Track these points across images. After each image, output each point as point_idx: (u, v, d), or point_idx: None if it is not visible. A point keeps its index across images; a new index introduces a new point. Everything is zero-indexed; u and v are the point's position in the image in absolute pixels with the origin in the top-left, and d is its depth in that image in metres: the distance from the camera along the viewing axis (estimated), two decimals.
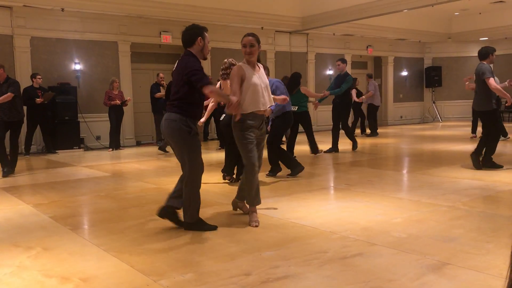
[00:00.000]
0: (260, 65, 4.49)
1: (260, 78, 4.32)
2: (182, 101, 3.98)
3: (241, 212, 4.70)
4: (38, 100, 9.91)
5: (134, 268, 3.20)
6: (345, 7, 13.36)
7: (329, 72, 16.20)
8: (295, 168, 6.70)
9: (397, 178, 6.75)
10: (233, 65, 6.02)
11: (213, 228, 4.10)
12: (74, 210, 5.06)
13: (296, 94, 8.18)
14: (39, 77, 10.20)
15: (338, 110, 9.39)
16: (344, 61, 9.37)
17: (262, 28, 14.20)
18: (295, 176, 6.65)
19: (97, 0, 11.02)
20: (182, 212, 4.12)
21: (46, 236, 4.08)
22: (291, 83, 8.30)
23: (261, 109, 4.28)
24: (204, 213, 4.71)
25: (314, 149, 8.92)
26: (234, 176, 6.56)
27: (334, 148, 9.47)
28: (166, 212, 4.15)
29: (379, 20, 14.36)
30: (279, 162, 6.82)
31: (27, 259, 3.46)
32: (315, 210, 4.75)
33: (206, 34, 4.14)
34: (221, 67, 6.24)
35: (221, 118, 6.80)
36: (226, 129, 6.56)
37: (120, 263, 3.32)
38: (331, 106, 9.65)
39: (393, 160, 8.53)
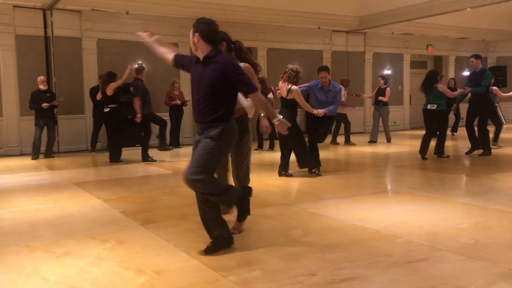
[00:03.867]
0: None
1: None
2: None
3: (300, 213, 4.78)
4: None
5: (203, 264, 3.35)
6: (405, 6, 13.05)
7: (387, 71, 15.90)
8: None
9: (461, 182, 6.57)
10: (297, 72, 6.56)
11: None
12: (142, 206, 5.31)
13: (433, 92, 8.23)
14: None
15: (476, 109, 8.78)
16: (477, 57, 8.74)
17: (319, 28, 14.16)
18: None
19: (160, 3, 11.39)
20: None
21: (119, 230, 4.32)
22: (428, 81, 8.39)
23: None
24: (266, 212, 4.82)
25: (440, 150, 8.61)
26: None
27: (475, 148, 8.91)
28: None
29: (440, 18, 13.90)
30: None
31: (104, 251, 3.69)
32: (377, 213, 4.73)
33: None
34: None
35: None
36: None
37: (190, 258, 3.47)
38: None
39: (456, 163, 8.29)
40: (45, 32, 10.85)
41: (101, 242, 3.92)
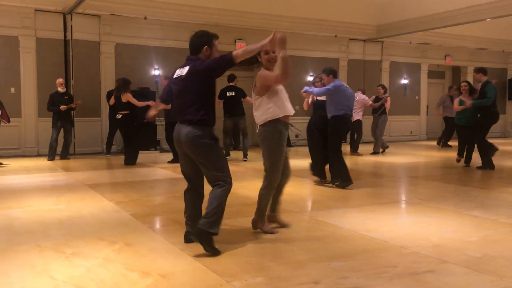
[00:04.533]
0: None
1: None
2: (206, 108, 3.76)
3: (307, 221, 4.77)
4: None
5: (208, 268, 3.37)
6: (423, 16, 13.00)
7: (404, 81, 15.82)
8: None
9: (473, 194, 6.48)
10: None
11: (217, 252, 3.66)
12: (152, 209, 5.38)
13: None
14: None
15: (480, 123, 8.61)
16: (479, 70, 8.64)
17: (336, 36, 14.17)
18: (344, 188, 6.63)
19: (178, 9, 11.55)
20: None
21: (128, 232, 4.38)
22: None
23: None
24: None
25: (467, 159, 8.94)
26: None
27: (489, 165, 8.69)
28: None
29: (459, 28, 13.81)
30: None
31: (111, 252, 3.75)
32: (385, 223, 4.71)
33: (215, 42, 3.84)
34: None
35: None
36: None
37: (195, 262, 3.51)
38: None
39: (470, 175, 8.19)
40: (65, 36, 11.09)
41: (109, 243, 3.98)
